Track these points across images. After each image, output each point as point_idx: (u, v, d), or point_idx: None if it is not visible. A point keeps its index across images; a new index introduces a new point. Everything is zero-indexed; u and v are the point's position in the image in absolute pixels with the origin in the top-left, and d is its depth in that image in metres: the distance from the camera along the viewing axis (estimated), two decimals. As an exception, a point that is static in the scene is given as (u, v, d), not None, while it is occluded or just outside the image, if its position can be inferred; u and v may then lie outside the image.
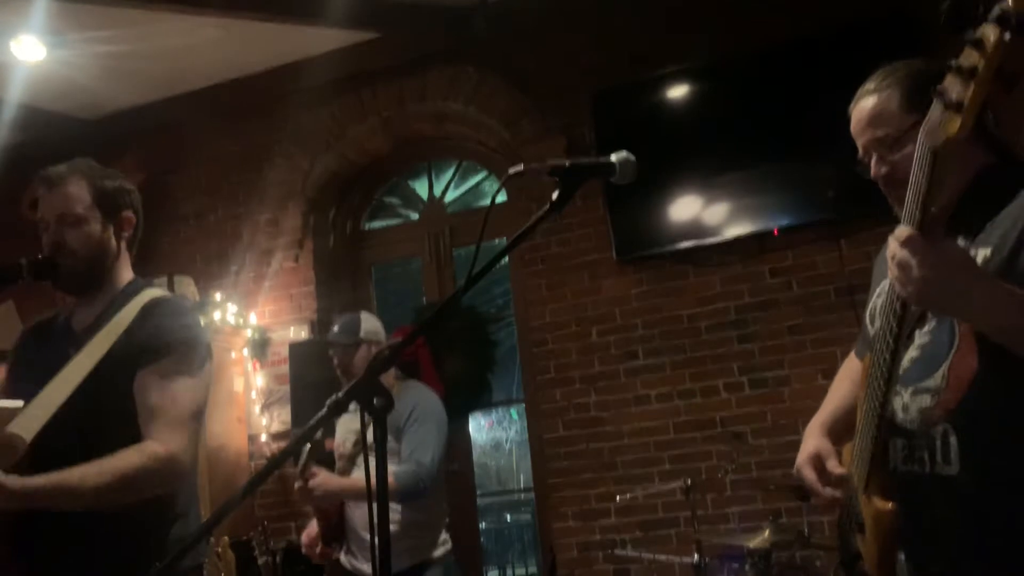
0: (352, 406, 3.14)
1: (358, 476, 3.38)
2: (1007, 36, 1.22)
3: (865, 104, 1.64)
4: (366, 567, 3.33)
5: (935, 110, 1.32)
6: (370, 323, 3.58)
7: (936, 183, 1.34)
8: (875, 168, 1.62)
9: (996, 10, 1.23)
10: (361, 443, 3.39)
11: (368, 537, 3.25)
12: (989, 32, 1.24)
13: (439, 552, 3.39)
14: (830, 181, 4.11)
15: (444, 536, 3.45)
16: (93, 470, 1.83)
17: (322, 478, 3.22)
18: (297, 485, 3.22)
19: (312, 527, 3.57)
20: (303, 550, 3.61)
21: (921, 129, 1.36)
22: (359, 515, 3.39)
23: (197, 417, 2.04)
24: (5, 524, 1.91)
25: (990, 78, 1.26)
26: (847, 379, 1.94)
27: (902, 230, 1.36)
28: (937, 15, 1.30)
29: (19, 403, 1.91)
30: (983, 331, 1.42)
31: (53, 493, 1.78)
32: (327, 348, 3.60)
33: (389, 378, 3.53)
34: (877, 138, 1.61)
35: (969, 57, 1.27)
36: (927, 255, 1.32)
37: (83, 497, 1.80)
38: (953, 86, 1.29)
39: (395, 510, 3.26)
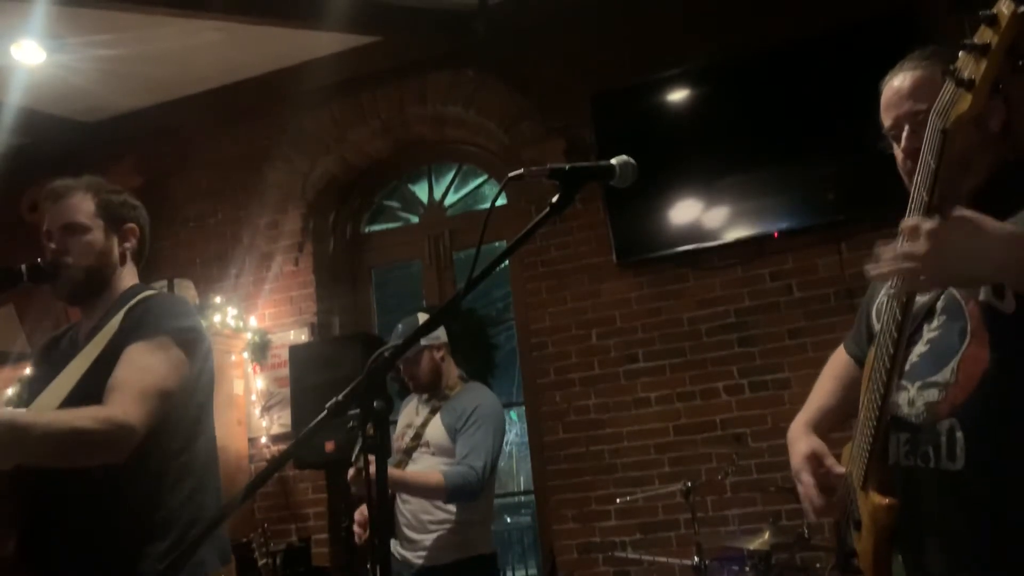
0: (416, 398, 3.07)
1: (411, 470, 3.38)
2: (1021, 9, 1.22)
3: (906, 77, 1.60)
4: (411, 555, 3.36)
5: (947, 90, 1.31)
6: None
7: (945, 163, 1.33)
8: (907, 141, 1.58)
9: None
10: (420, 438, 3.42)
11: (410, 534, 3.35)
12: (1004, 8, 1.24)
13: (489, 549, 3.42)
14: (830, 184, 4.12)
15: (488, 537, 3.46)
16: (47, 417, 1.82)
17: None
18: (350, 474, 3.20)
19: (364, 509, 3.54)
20: (355, 528, 3.62)
21: (932, 110, 1.35)
22: (406, 509, 3.40)
23: (166, 395, 1.95)
24: (6, 514, 1.92)
25: (1003, 54, 1.25)
26: (831, 377, 1.93)
27: (913, 223, 1.29)
28: (938, 13, 1.31)
29: (22, 412, 1.92)
30: (1012, 285, 1.36)
31: (8, 426, 1.75)
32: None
33: (453, 378, 3.54)
34: (916, 110, 1.56)
35: (983, 35, 1.27)
36: (936, 229, 1.25)
37: (31, 439, 1.75)
38: (966, 64, 1.28)
39: (446, 508, 3.30)
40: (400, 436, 3.56)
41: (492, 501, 3.53)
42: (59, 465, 1.85)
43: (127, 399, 1.88)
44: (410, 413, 3.56)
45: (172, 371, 1.99)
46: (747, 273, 4.38)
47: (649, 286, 4.53)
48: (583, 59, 4.79)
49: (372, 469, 3.19)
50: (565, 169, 1.56)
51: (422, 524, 3.34)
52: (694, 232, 4.44)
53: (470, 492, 3.22)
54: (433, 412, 3.46)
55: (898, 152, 1.62)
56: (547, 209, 1.54)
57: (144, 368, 1.95)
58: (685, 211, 4.48)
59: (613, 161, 1.59)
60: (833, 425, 1.86)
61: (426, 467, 3.34)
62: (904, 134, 1.59)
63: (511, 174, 1.58)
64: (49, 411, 1.93)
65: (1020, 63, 1.34)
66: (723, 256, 4.42)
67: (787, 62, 4.33)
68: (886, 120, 1.64)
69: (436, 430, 3.40)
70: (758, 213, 4.35)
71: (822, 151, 4.16)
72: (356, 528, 3.57)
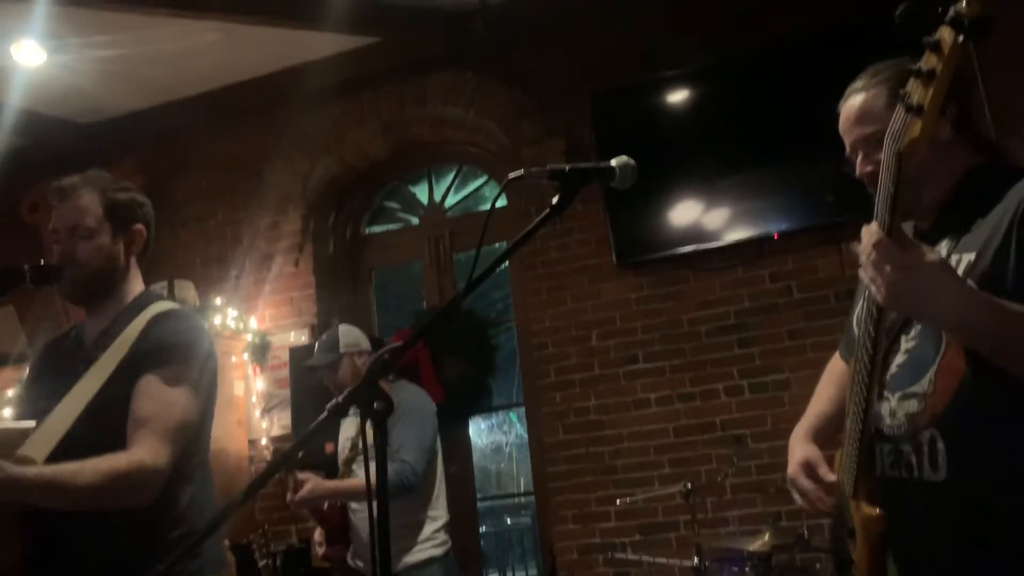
0: (351, 412, 3.15)
1: (350, 479, 3.44)
2: (960, 39, 1.23)
3: (853, 102, 1.65)
4: (362, 564, 3.42)
5: (898, 114, 1.33)
6: (349, 335, 3.62)
7: (903, 186, 1.34)
8: (860, 166, 1.63)
9: (951, 12, 1.24)
10: (356, 449, 3.47)
11: (359, 544, 3.41)
12: (946, 35, 1.25)
13: (416, 557, 3.36)
14: (830, 184, 4.11)
15: (436, 539, 3.43)
16: (88, 468, 1.82)
17: (310, 485, 3.26)
18: (288, 497, 3.27)
19: (319, 530, 3.65)
20: (316, 547, 3.68)
21: (886, 133, 1.37)
22: (355, 518, 3.47)
23: (184, 429, 2.00)
24: (11, 522, 1.92)
25: (949, 81, 1.27)
26: (829, 383, 1.94)
27: (874, 230, 1.36)
28: (892, 20, 1.31)
29: (31, 424, 1.93)
30: (956, 336, 1.42)
31: (47, 486, 1.77)
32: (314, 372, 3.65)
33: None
34: (863, 136, 1.62)
35: (928, 60, 1.28)
36: (898, 258, 1.32)
37: (72, 494, 1.79)
38: (914, 90, 1.30)
39: (392, 514, 3.29)
40: (342, 450, 3.62)
41: (437, 501, 3.50)
42: (91, 510, 1.86)
43: (154, 439, 1.91)
44: (349, 425, 3.60)
45: (191, 403, 2.03)
46: (747, 274, 4.39)
47: (649, 287, 4.53)
48: (583, 59, 4.79)
49: (303, 491, 3.27)
50: (565, 170, 1.56)
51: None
52: (694, 233, 4.44)
53: (405, 487, 3.20)
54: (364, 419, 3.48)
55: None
56: (547, 210, 1.54)
57: (167, 403, 1.97)
58: (685, 212, 4.48)
59: (613, 162, 1.59)
60: (834, 431, 1.86)
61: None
62: (858, 160, 1.64)
63: (511, 175, 1.58)
64: (63, 429, 1.92)
65: (967, 90, 1.36)
66: (723, 257, 4.43)
67: (787, 62, 4.33)
68: (845, 144, 1.68)
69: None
70: (758, 214, 4.35)
71: (822, 151, 4.11)
72: (316, 544, 3.63)
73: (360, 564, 3.47)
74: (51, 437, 1.90)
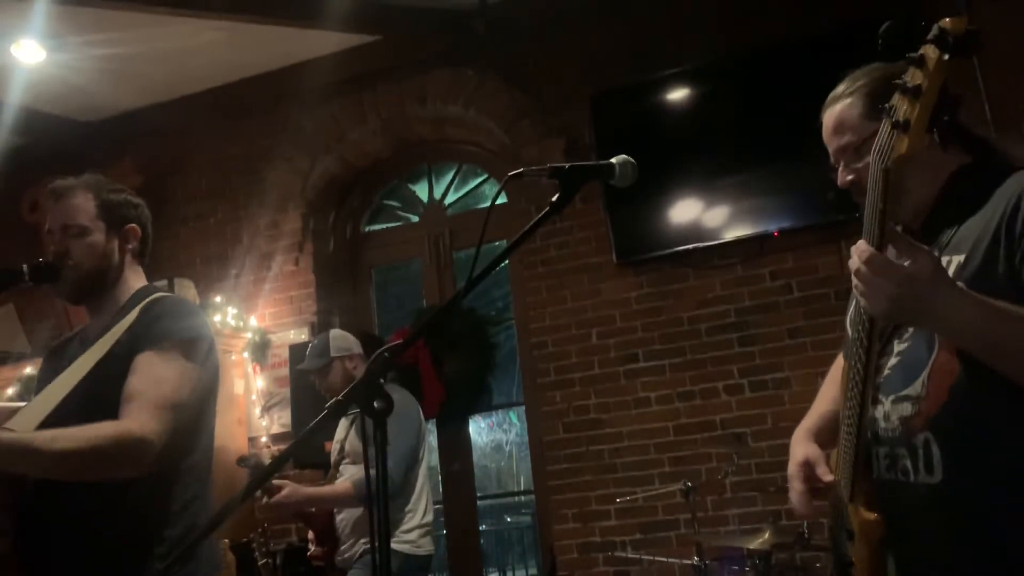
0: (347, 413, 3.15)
1: (325, 486, 3.50)
2: (945, 57, 1.23)
3: (830, 112, 1.65)
4: (341, 561, 3.49)
5: (884, 128, 1.33)
6: (340, 340, 3.66)
7: (891, 201, 1.34)
8: (841, 176, 1.64)
9: (935, 29, 1.24)
10: (344, 452, 3.51)
11: (343, 545, 3.48)
12: (930, 52, 1.25)
13: (412, 551, 3.44)
14: (830, 183, 4.08)
15: (402, 538, 3.44)
16: (65, 434, 1.80)
17: (286, 491, 3.27)
18: (259, 501, 3.29)
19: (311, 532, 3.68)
20: (309, 545, 3.72)
21: (873, 148, 1.36)
22: (338, 520, 3.53)
23: (180, 406, 1.96)
24: (8, 518, 1.91)
25: (935, 97, 1.27)
26: (833, 383, 1.94)
27: (863, 249, 1.36)
28: (878, 37, 1.31)
29: (20, 404, 1.92)
30: (955, 344, 1.42)
31: (23, 449, 1.74)
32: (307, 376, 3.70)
33: None
34: (841, 146, 1.62)
35: (914, 76, 1.28)
36: (893, 272, 1.32)
37: (49, 458, 1.76)
38: (900, 105, 1.30)
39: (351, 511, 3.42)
40: (333, 452, 3.67)
41: (417, 504, 3.53)
42: (78, 480, 1.85)
43: (143, 412, 1.88)
44: (340, 428, 3.65)
45: (185, 381, 2.00)
46: (747, 272, 4.38)
47: (649, 285, 4.53)
48: (583, 59, 4.79)
49: (276, 497, 3.32)
50: (565, 168, 1.56)
51: (353, 532, 3.44)
52: (694, 231, 4.44)
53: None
54: (352, 423, 3.53)
55: None
56: (547, 208, 1.54)
57: (159, 379, 1.95)
58: (685, 210, 4.48)
59: (613, 160, 1.59)
60: (836, 430, 1.86)
61: (348, 476, 3.43)
62: (839, 170, 1.65)
63: (511, 173, 1.58)
64: (52, 405, 1.93)
65: (955, 105, 1.36)
66: (723, 255, 4.42)
67: (787, 61, 4.32)
68: (829, 153, 1.69)
69: (353, 439, 3.50)
70: (758, 212, 4.35)
71: (822, 150, 4.13)
72: (310, 543, 3.65)
73: (338, 559, 3.53)
74: (38, 413, 1.90)
